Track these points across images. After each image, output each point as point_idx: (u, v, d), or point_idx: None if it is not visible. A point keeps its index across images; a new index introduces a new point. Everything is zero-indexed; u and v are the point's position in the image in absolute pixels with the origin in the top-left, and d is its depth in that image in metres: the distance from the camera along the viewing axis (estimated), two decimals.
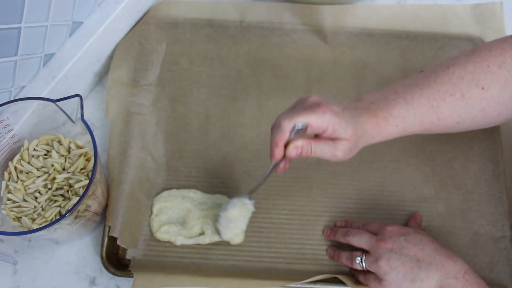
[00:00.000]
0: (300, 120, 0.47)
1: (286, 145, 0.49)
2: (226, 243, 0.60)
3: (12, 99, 0.58)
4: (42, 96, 0.60)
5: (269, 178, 0.54)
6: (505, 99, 0.51)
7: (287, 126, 0.47)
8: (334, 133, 0.48)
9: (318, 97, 0.49)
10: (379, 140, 0.52)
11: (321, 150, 0.49)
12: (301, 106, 0.49)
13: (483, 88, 0.50)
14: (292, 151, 0.48)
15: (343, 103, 0.50)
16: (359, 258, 0.55)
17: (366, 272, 0.56)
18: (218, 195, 0.63)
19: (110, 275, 0.59)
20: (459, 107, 0.51)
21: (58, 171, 0.57)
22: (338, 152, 0.49)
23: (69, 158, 0.58)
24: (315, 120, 0.47)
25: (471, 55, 0.52)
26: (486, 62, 0.51)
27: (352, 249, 0.57)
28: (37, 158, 0.58)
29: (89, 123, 0.63)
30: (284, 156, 0.49)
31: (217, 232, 0.59)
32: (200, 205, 0.62)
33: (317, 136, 0.50)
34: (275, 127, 0.49)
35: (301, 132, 0.48)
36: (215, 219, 0.59)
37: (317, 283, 0.57)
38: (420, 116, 0.51)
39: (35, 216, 0.55)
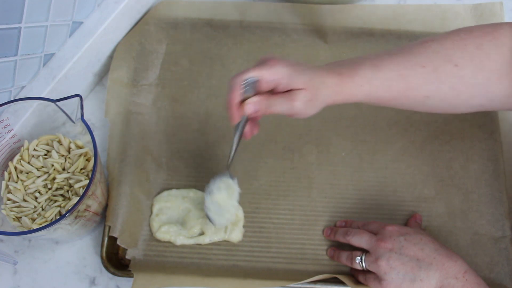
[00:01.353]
0: (249, 75, 0.47)
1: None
2: (226, 243, 0.61)
3: (12, 99, 0.58)
4: (42, 96, 0.60)
5: (238, 147, 0.53)
6: (477, 80, 0.49)
7: (237, 82, 0.47)
8: (288, 84, 0.48)
9: (272, 55, 0.49)
10: (343, 98, 0.50)
11: (279, 103, 0.48)
12: (253, 65, 0.49)
13: (456, 65, 0.49)
14: (248, 107, 0.48)
15: (301, 63, 0.49)
16: (359, 258, 0.55)
17: (366, 272, 0.56)
18: None
19: (110, 275, 0.59)
20: (429, 80, 0.50)
21: (58, 171, 0.57)
22: (295, 103, 0.48)
23: (69, 158, 0.58)
24: (264, 73, 0.47)
25: (451, 34, 0.51)
26: (464, 41, 0.50)
27: (352, 249, 0.57)
28: (37, 158, 0.58)
29: (89, 123, 0.63)
30: (245, 117, 0.48)
31: (209, 220, 0.58)
32: (200, 205, 0.62)
33: (273, 93, 0.49)
34: (228, 89, 0.48)
35: (254, 89, 0.47)
36: (203, 207, 0.58)
37: (317, 283, 0.57)
38: (387, 81, 0.50)
39: (35, 216, 0.55)
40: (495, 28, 0.50)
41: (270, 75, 0.47)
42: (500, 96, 0.50)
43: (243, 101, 0.48)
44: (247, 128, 0.51)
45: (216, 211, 0.58)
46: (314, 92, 0.48)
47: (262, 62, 0.48)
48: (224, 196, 0.57)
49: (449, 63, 0.49)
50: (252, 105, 0.48)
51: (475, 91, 0.50)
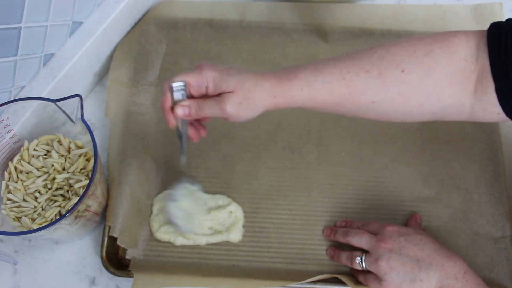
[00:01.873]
0: (175, 79, 0.48)
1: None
2: (226, 243, 0.61)
3: (12, 99, 0.58)
4: (42, 96, 0.60)
5: (185, 150, 0.54)
6: (426, 87, 0.48)
7: (166, 86, 0.48)
8: (217, 87, 0.48)
9: (206, 62, 0.50)
10: (283, 101, 0.50)
11: (208, 106, 0.49)
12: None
13: (403, 71, 0.48)
14: (179, 110, 0.49)
15: (236, 68, 0.50)
16: (359, 258, 0.55)
17: (366, 272, 0.56)
18: (218, 195, 0.63)
19: (110, 275, 0.59)
20: (375, 85, 0.48)
21: (58, 171, 0.57)
22: (225, 105, 0.48)
23: (69, 158, 0.58)
24: (193, 77, 0.48)
25: (401, 40, 0.50)
26: (413, 47, 0.48)
27: (352, 249, 0.57)
28: (37, 158, 0.58)
29: (89, 123, 0.63)
30: (183, 122, 0.50)
31: (176, 226, 0.58)
32: (201, 205, 0.62)
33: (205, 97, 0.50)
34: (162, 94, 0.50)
35: (184, 93, 0.48)
36: (167, 213, 0.58)
37: (317, 283, 0.57)
38: (329, 85, 0.49)
39: (35, 216, 0.55)
40: (448, 36, 0.48)
41: (196, 79, 0.48)
42: (452, 104, 0.48)
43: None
44: (192, 131, 0.53)
45: (185, 218, 0.58)
46: (245, 95, 0.48)
47: (193, 69, 0.49)
48: (191, 203, 0.58)
49: (395, 68, 0.48)
50: (182, 108, 0.49)
51: (425, 97, 0.48)
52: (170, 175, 0.64)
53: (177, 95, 0.48)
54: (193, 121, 0.53)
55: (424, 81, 0.48)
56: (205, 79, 0.48)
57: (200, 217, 0.58)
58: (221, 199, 0.62)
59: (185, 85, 0.48)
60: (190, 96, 0.50)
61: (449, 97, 0.48)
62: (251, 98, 0.49)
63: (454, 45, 0.47)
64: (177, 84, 0.48)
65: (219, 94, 0.49)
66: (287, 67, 0.52)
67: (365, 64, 0.49)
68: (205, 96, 0.50)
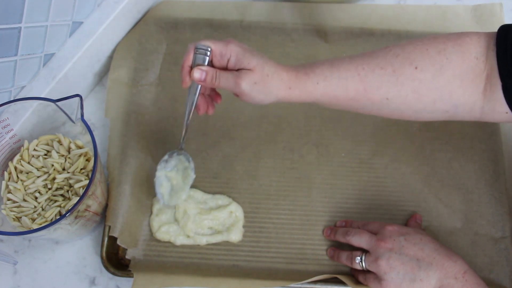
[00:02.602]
0: (203, 42, 0.49)
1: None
2: (226, 243, 0.61)
3: (12, 99, 0.58)
4: (42, 96, 0.60)
5: (190, 118, 0.54)
6: (439, 84, 0.49)
7: (190, 47, 0.49)
8: (238, 62, 0.49)
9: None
10: (298, 94, 0.51)
11: (225, 78, 0.50)
12: None
13: (416, 68, 0.49)
14: (196, 73, 0.49)
15: (260, 53, 0.51)
16: (359, 258, 0.55)
17: (366, 272, 0.56)
18: (218, 195, 0.63)
19: (110, 275, 0.59)
20: (389, 82, 0.50)
21: (58, 171, 0.57)
22: (241, 80, 0.49)
23: (69, 158, 0.58)
24: (217, 46, 0.49)
25: (415, 40, 0.51)
26: (426, 46, 0.50)
27: (352, 249, 0.57)
28: (37, 158, 0.58)
29: (89, 123, 0.63)
30: (199, 90, 0.51)
31: (156, 192, 0.58)
32: (201, 204, 0.62)
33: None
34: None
35: (207, 59, 0.49)
36: (155, 177, 0.58)
37: (317, 283, 0.57)
38: (344, 80, 0.50)
39: (35, 216, 0.55)
40: (460, 36, 0.50)
41: (221, 49, 0.49)
42: (464, 103, 0.50)
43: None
44: (201, 102, 0.53)
45: (168, 190, 0.58)
46: (262, 77, 0.49)
47: (222, 40, 0.51)
48: (179, 178, 0.58)
49: (409, 66, 0.49)
50: (199, 72, 0.49)
51: (437, 95, 0.50)
52: None
53: (199, 58, 0.49)
54: (206, 94, 0.54)
55: (436, 78, 0.49)
56: (229, 52, 0.49)
57: (181, 196, 0.58)
58: (221, 199, 0.62)
59: (209, 50, 0.49)
60: (210, 65, 0.50)
61: (461, 95, 0.49)
62: (267, 83, 0.50)
63: (466, 44, 0.49)
64: (202, 46, 0.49)
65: (238, 70, 0.50)
66: (305, 63, 0.53)
67: (380, 61, 0.50)
68: (224, 69, 0.50)
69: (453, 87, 0.49)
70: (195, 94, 0.52)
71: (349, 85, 0.50)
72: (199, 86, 0.52)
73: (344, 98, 0.51)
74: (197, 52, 0.49)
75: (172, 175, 0.58)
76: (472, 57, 0.48)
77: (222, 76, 0.50)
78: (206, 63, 0.50)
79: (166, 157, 0.58)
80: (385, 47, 0.52)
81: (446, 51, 0.49)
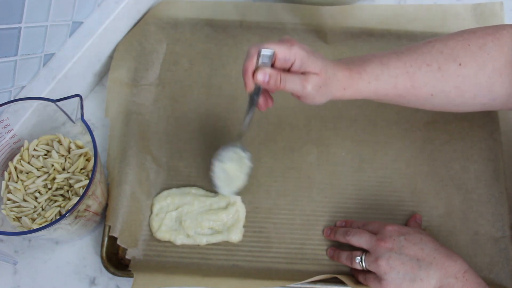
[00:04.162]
0: (267, 46, 0.48)
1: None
2: (226, 243, 0.61)
3: (12, 99, 0.58)
4: (42, 96, 0.60)
5: (252, 118, 0.54)
6: (480, 80, 0.51)
7: (254, 51, 0.48)
8: (303, 66, 0.49)
9: (293, 38, 0.50)
10: (350, 94, 0.52)
11: (291, 81, 0.49)
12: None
13: (460, 65, 0.51)
14: (260, 75, 0.48)
15: (316, 51, 0.51)
16: (359, 258, 0.55)
17: (366, 272, 0.56)
18: (218, 196, 0.63)
19: (110, 275, 0.59)
20: (435, 78, 0.52)
21: (58, 171, 0.57)
22: (308, 84, 0.49)
23: (69, 158, 0.58)
24: (282, 50, 0.48)
25: (455, 35, 0.53)
26: (467, 41, 0.51)
27: (352, 249, 0.57)
28: (37, 158, 0.58)
29: (89, 123, 0.63)
30: (258, 87, 0.50)
31: (214, 185, 0.59)
32: (201, 203, 0.62)
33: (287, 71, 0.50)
34: (246, 57, 0.49)
35: (269, 62, 0.48)
36: (211, 171, 0.59)
37: (317, 283, 0.57)
38: (394, 78, 0.52)
39: (35, 216, 0.55)
40: (497, 29, 0.52)
41: (286, 53, 0.48)
42: (501, 95, 0.52)
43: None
44: (261, 100, 0.53)
45: (225, 180, 0.59)
46: (326, 80, 0.50)
47: (281, 40, 0.50)
48: (235, 167, 0.58)
49: (453, 62, 0.51)
50: (263, 75, 0.48)
51: (478, 90, 0.52)
52: (170, 175, 0.64)
53: (262, 62, 0.48)
54: (263, 91, 0.53)
55: (478, 74, 0.51)
56: (294, 56, 0.48)
57: (238, 183, 0.59)
58: (227, 197, 0.62)
59: (273, 54, 0.48)
60: (272, 67, 0.50)
61: (499, 88, 0.52)
62: (328, 85, 0.50)
63: (504, 37, 0.51)
64: (266, 51, 0.47)
65: (303, 73, 0.49)
66: (352, 58, 0.54)
67: (425, 58, 0.52)
68: (285, 71, 0.50)
69: (493, 81, 0.51)
70: (257, 95, 0.51)
71: (398, 83, 0.52)
72: (261, 88, 0.51)
73: (392, 95, 0.53)
74: (261, 56, 0.48)
75: (226, 166, 0.58)
76: (510, 50, 0.50)
77: (288, 79, 0.49)
78: (269, 65, 0.49)
79: (220, 151, 0.58)
80: (428, 41, 0.53)
81: (487, 46, 0.51)
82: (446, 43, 0.52)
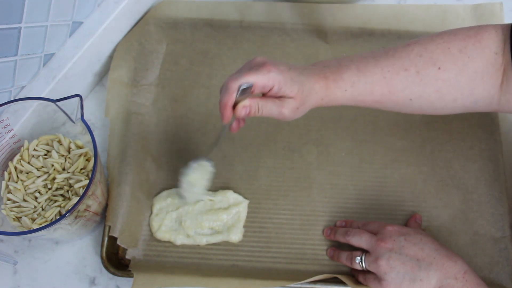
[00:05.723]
0: (245, 80, 0.48)
1: (235, 105, 0.49)
2: (226, 243, 0.61)
3: (12, 99, 0.58)
4: (42, 96, 0.60)
5: (222, 139, 0.55)
6: (461, 83, 0.50)
7: (234, 86, 0.48)
8: (280, 91, 0.49)
9: (264, 57, 0.50)
10: (327, 102, 0.52)
11: (268, 108, 0.50)
12: (247, 67, 0.50)
13: (439, 68, 0.50)
14: (241, 111, 0.49)
15: (290, 64, 0.51)
16: (358, 258, 0.55)
17: (366, 272, 0.56)
18: (228, 192, 0.62)
19: (110, 275, 0.59)
20: (413, 83, 0.51)
21: (58, 171, 0.57)
22: (284, 110, 0.50)
23: (69, 158, 0.58)
24: (260, 79, 0.48)
25: (435, 36, 0.52)
26: (447, 44, 0.50)
27: (352, 249, 0.57)
28: (37, 158, 0.58)
29: (89, 123, 0.63)
30: (235, 116, 0.50)
31: (181, 197, 0.60)
32: (200, 203, 0.62)
33: (264, 95, 0.50)
34: (223, 89, 0.49)
35: (247, 92, 0.49)
36: (179, 187, 0.59)
37: (317, 283, 0.57)
38: (371, 85, 0.51)
39: (35, 216, 0.55)
40: (479, 31, 0.50)
41: (265, 81, 0.48)
42: (483, 97, 0.51)
43: (236, 103, 0.49)
44: (234, 124, 0.53)
45: (189, 190, 0.59)
46: (302, 101, 0.50)
47: (256, 66, 0.49)
48: (197, 176, 0.58)
49: (432, 66, 0.50)
50: (244, 109, 0.49)
51: (459, 93, 0.51)
52: (170, 175, 0.64)
53: (241, 95, 0.49)
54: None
55: (458, 77, 0.50)
56: (272, 82, 0.48)
57: (200, 189, 0.59)
58: (233, 197, 0.62)
59: (252, 86, 0.48)
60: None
61: (481, 91, 0.50)
62: (306, 103, 0.51)
63: (485, 39, 0.50)
64: (245, 86, 0.48)
65: (279, 98, 0.50)
66: (328, 62, 0.53)
67: (404, 62, 0.51)
68: (263, 95, 0.51)
69: (474, 84, 0.50)
70: (231, 121, 0.52)
71: (375, 89, 0.51)
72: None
73: (369, 101, 0.53)
74: (241, 90, 0.48)
75: (190, 177, 0.58)
76: (492, 52, 0.49)
77: (264, 107, 0.50)
78: (248, 96, 0.49)
79: (185, 168, 0.58)
80: (407, 44, 0.52)
81: (467, 48, 0.50)
82: (425, 46, 0.51)
